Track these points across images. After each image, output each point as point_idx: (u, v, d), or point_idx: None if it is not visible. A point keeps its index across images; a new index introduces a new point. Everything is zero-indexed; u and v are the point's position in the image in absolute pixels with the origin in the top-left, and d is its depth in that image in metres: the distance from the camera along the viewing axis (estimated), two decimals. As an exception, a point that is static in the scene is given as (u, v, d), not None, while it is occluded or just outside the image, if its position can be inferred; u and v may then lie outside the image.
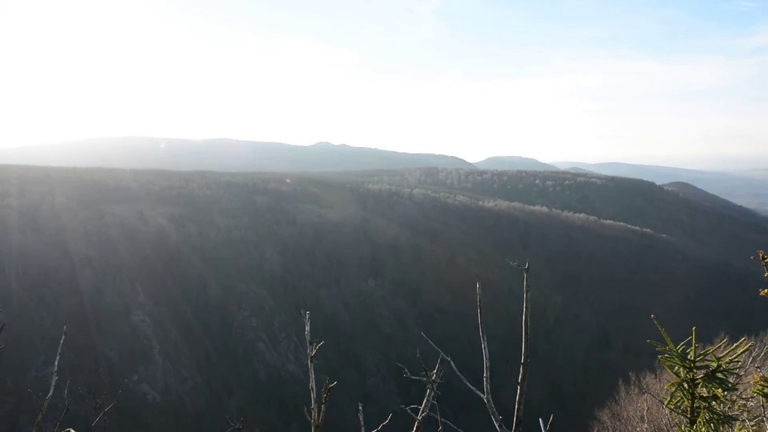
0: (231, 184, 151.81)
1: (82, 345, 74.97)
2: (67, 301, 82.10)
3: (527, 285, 5.44)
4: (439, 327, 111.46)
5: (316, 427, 8.33)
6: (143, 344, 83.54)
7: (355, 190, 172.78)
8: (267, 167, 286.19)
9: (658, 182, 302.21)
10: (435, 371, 6.65)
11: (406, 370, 6.88)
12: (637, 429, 21.43)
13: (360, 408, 8.09)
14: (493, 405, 5.39)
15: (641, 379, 27.20)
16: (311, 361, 7.99)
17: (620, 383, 28.41)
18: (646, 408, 22.40)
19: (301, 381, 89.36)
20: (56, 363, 9.11)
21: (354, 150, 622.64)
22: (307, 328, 8.01)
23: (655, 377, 26.87)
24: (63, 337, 9.58)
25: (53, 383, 8.50)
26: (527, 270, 5.56)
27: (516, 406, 5.30)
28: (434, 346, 6.10)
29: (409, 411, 6.51)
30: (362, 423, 8.06)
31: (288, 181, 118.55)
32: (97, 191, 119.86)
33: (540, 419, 6.31)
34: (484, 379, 5.48)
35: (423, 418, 6.51)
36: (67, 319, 9.85)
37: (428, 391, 7.02)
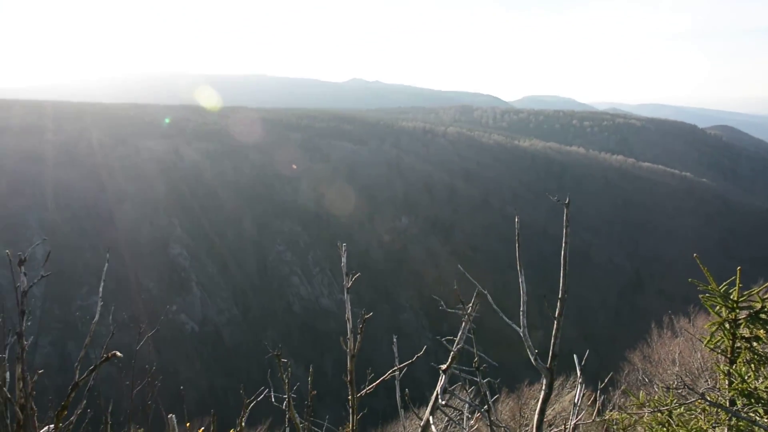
0: (265, 120, 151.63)
1: (123, 276, 77.13)
2: (107, 234, 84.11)
3: (567, 220, 5.35)
4: (471, 265, 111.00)
5: (352, 356, 8.48)
6: (181, 276, 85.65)
7: (389, 127, 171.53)
8: (301, 103, 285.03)
9: (702, 125, 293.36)
10: (471, 304, 6.71)
11: (442, 303, 6.93)
12: (668, 371, 21.32)
13: (395, 340, 8.24)
14: (529, 339, 5.38)
15: (675, 322, 27.02)
16: (347, 292, 8.08)
17: (653, 326, 28.30)
18: (678, 351, 22.28)
19: (335, 314, 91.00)
20: (101, 290, 9.36)
21: (387, 87, 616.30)
22: (344, 259, 8.07)
23: (689, 321, 26.74)
24: (106, 264, 9.82)
25: (98, 309, 8.77)
26: (567, 205, 5.46)
27: (552, 341, 5.26)
28: (471, 279, 6.10)
29: (444, 342, 6.59)
30: (396, 354, 8.20)
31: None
32: (133, 127, 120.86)
33: (575, 355, 6.30)
34: (521, 313, 5.46)
35: (458, 350, 6.60)
36: (109, 248, 10.08)
37: (463, 323, 7.08)
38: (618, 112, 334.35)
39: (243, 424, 8.37)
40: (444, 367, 6.35)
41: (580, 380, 6.31)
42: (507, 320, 5.39)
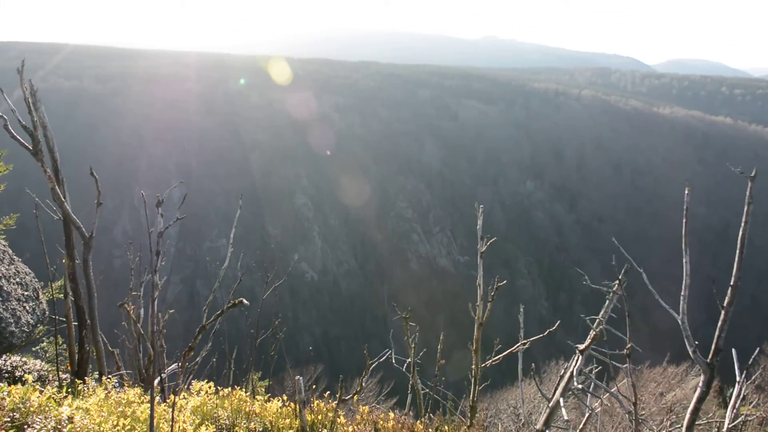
0: (394, 75, 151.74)
1: (250, 222, 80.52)
2: (238, 181, 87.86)
3: (751, 196, 4.58)
4: (596, 236, 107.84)
5: (479, 324, 7.94)
6: (304, 226, 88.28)
7: (520, 88, 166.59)
8: (432, 60, 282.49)
9: None
10: (618, 282, 5.92)
11: (587, 278, 6.20)
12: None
13: (521, 309, 7.58)
14: (687, 327, 4.72)
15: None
16: (481, 257, 7.52)
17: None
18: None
19: (452, 275, 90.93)
20: (231, 236, 9.39)
21: (521, 45, 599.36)
22: (480, 222, 7.47)
23: None
24: (238, 211, 9.82)
25: (228, 255, 8.75)
26: (753, 178, 4.65)
27: (716, 333, 4.66)
28: (625, 253, 5.33)
29: (588, 321, 5.89)
30: (522, 324, 7.55)
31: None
32: (267, 78, 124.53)
33: (733, 350, 5.49)
34: (682, 298, 4.81)
35: (599, 332, 5.86)
36: (241, 195, 10.07)
37: (607, 302, 6.33)
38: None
39: (363, 383, 8.14)
40: (582, 347, 5.71)
41: (739, 380, 5.52)
42: (664, 304, 4.80)
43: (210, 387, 6.25)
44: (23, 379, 6.52)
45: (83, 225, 7.43)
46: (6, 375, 6.90)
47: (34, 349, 10.74)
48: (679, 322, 4.78)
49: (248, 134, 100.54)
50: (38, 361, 7.93)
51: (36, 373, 7.33)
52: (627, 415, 5.27)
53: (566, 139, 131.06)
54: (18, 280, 5.54)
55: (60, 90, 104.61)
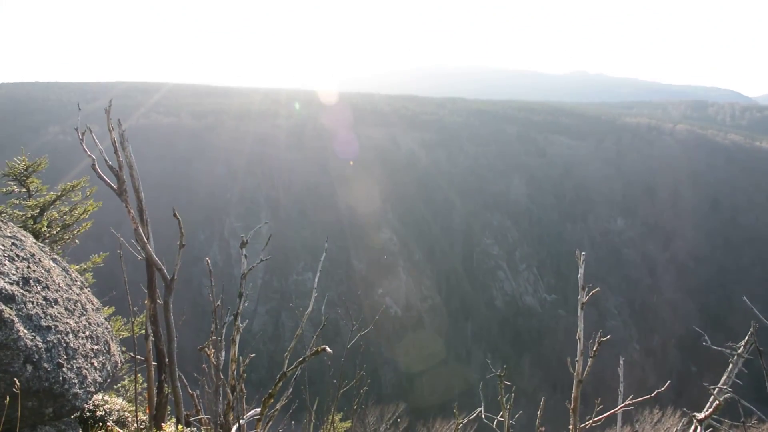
0: (481, 111, 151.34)
1: (336, 256, 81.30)
2: (325, 214, 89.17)
3: None
4: (692, 277, 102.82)
5: (579, 381, 7.32)
6: (389, 260, 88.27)
7: (610, 123, 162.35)
8: (519, 96, 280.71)
9: None
10: (744, 342, 5.25)
11: (706, 338, 5.53)
12: None
13: (621, 362, 6.92)
14: None
15: None
16: (581, 308, 6.93)
17: None
18: None
19: (538, 314, 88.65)
20: (317, 280, 9.19)
21: (611, 80, 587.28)
22: (581, 270, 6.90)
23: None
24: (324, 254, 9.64)
25: (312, 299, 8.49)
26: None
27: None
28: (757, 312, 4.63)
29: (710, 390, 5.21)
30: (622, 379, 6.90)
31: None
32: (357, 115, 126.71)
33: None
34: None
35: (723, 400, 5.16)
36: (328, 237, 9.90)
37: (730, 366, 5.64)
38: None
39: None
40: (701, 416, 5.03)
41: None
42: None
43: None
44: (104, 419, 6.46)
45: (166, 267, 7.38)
46: (88, 414, 6.86)
47: (116, 386, 10.87)
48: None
49: (336, 168, 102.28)
50: (119, 400, 7.89)
51: (116, 414, 7.27)
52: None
53: (659, 176, 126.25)
54: (88, 333, 5.42)
55: (159, 126, 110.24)
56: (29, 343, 4.62)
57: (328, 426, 9.27)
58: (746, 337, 4.88)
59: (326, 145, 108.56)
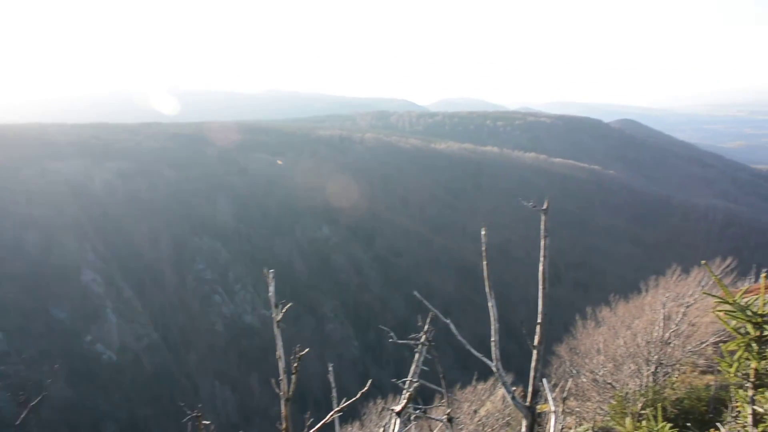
0: (179, 135, 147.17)
1: (31, 308, 72.92)
2: (12, 264, 79.20)
3: (546, 229, 4.72)
4: (395, 270, 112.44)
5: (286, 400, 7.64)
6: (95, 303, 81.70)
7: (306, 137, 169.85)
8: (216, 116, 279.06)
9: (606, 120, 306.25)
10: (424, 332, 5.93)
11: (392, 334, 6.11)
12: (594, 360, 21.70)
13: (330, 368, 7.50)
14: (504, 374, 4.62)
15: (597, 312, 27.39)
16: (277, 326, 7.16)
17: (578, 318, 28.57)
18: (602, 340, 22.73)
19: (259, 331, 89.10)
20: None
21: (304, 96, 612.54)
22: (271, 288, 7.20)
23: (611, 310, 27.12)
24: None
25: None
26: (546, 211, 4.83)
27: (531, 374, 4.49)
28: (428, 305, 5.27)
29: (400, 383, 5.69)
30: (333, 384, 7.48)
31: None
32: (39, 148, 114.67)
33: (545, 380, 5.30)
34: (492, 343, 4.75)
35: (414, 390, 5.66)
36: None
37: (417, 355, 6.33)
38: (529, 111, 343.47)
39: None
40: (398, 408, 5.25)
41: (554, 410, 5.60)
42: (478, 354, 4.73)
43: None
44: None
45: None
46: None
47: None
48: (493, 369, 4.65)
49: (21, 210, 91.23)
50: None
51: None
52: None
53: (356, 182, 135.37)
54: None
55: None
56: None
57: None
58: (425, 327, 5.63)
59: (5, 185, 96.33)
